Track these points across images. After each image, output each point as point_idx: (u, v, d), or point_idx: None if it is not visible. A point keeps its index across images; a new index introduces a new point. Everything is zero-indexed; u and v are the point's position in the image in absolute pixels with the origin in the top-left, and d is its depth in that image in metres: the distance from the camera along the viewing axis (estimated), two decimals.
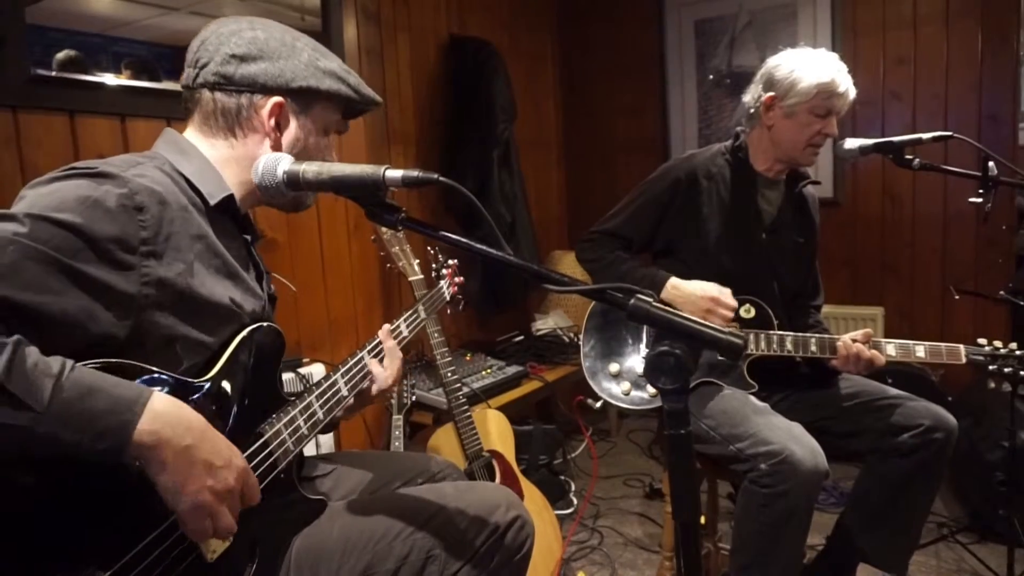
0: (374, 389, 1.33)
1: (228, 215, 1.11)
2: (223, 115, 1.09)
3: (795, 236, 1.95)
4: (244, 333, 1.05)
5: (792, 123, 1.80)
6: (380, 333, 1.38)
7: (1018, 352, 1.71)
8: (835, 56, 1.79)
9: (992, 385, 1.74)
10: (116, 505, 0.84)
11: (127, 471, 0.83)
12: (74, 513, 0.81)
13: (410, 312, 1.51)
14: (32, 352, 0.75)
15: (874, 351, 1.74)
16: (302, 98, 1.12)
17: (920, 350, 1.75)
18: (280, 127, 1.12)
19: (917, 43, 3.09)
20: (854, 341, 1.74)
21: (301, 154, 1.14)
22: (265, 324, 1.09)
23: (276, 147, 1.11)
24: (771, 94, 1.81)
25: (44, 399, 0.73)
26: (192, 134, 1.12)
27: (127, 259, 0.89)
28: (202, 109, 1.10)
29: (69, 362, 0.78)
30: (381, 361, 1.35)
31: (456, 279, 1.80)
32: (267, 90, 1.09)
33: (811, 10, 3.29)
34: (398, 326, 1.46)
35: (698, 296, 1.78)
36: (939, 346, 1.75)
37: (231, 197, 1.09)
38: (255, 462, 1.01)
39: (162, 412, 0.82)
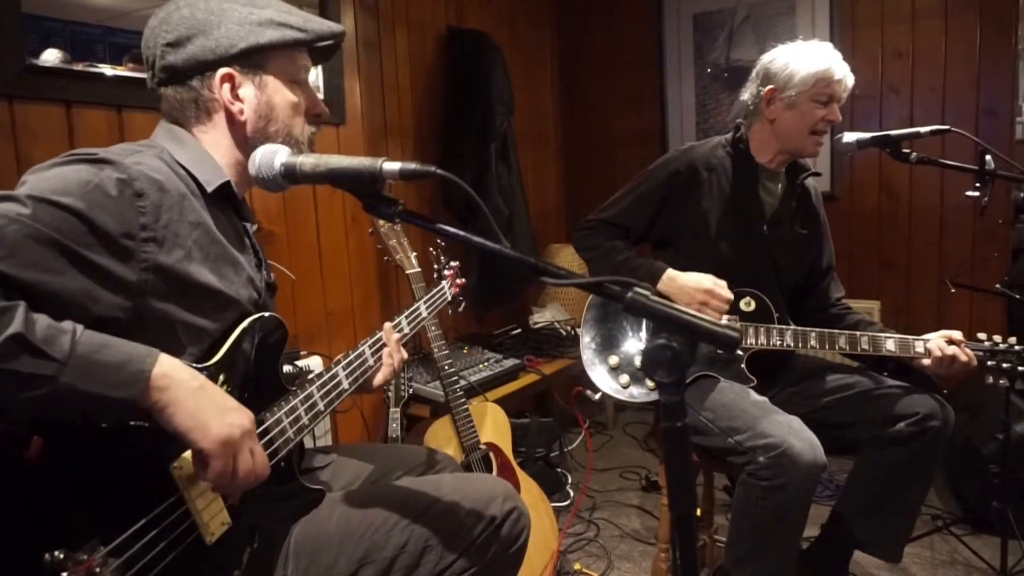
0: (377, 378, 1.32)
1: (226, 201, 1.11)
2: (185, 107, 1.09)
3: (798, 228, 1.95)
4: (247, 322, 1.05)
5: (794, 114, 1.79)
6: (384, 330, 1.36)
7: (1017, 347, 1.71)
8: (828, 45, 1.79)
9: (990, 380, 1.74)
10: (119, 481, 0.86)
11: (132, 444, 0.85)
12: (77, 488, 0.82)
13: (411, 310, 1.51)
14: (41, 315, 0.78)
15: (970, 352, 1.70)
16: (249, 59, 1.08)
17: (919, 345, 1.75)
18: (240, 96, 1.09)
19: (915, 37, 3.09)
20: (949, 343, 1.69)
21: (273, 114, 1.11)
22: (268, 314, 1.09)
23: (241, 116, 1.09)
24: (771, 87, 1.81)
25: (65, 350, 0.77)
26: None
27: (127, 244, 0.90)
28: (168, 106, 1.10)
29: (78, 325, 0.81)
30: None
31: (458, 281, 1.79)
32: (211, 65, 1.06)
33: (809, 3, 3.28)
34: (399, 322, 1.46)
35: (693, 288, 1.77)
36: None
37: (228, 183, 1.09)
38: None
39: (171, 362, 0.87)
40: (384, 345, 1.33)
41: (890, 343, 1.75)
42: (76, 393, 0.77)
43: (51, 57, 1.75)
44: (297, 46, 1.12)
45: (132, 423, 0.86)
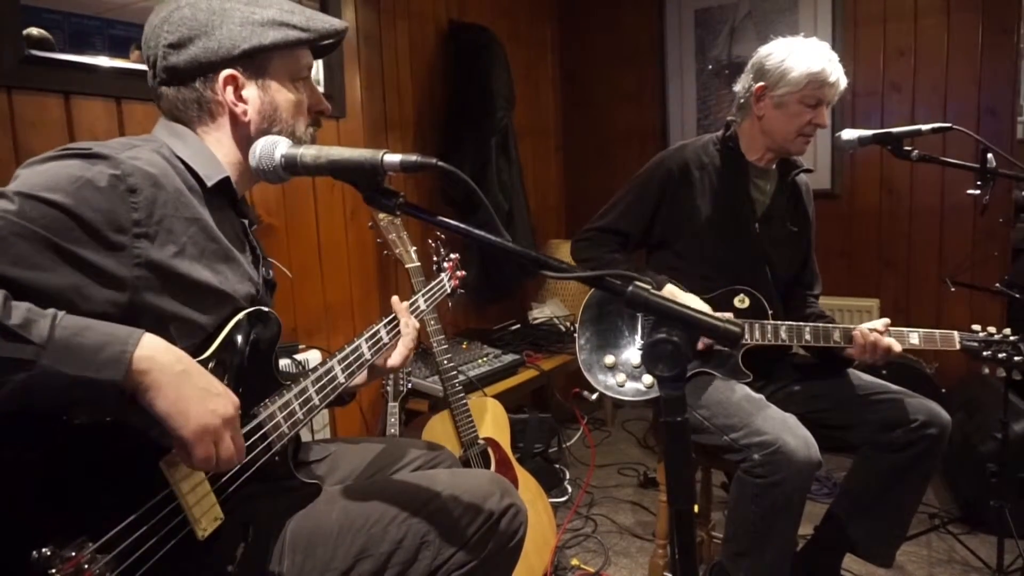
0: (395, 356, 1.35)
1: (225, 197, 1.11)
2: (187, 107, 1.08)
3: (789, 225, 1.94)
4: (239, 316, 1.05)
5: (782, 113, 1.79)
6: (396, 307, 1.39)
7: (1012, 338, 1.72)
8: (826, 45, 1.78)
9: (986, 371, 1.75)
10: (108, 477, 0.85)
11: (122, 438, 0.84)
12: (65, 484, 0.81)
13: (411, 302, 1.51)
14: (23, 303, 0.78)
15: (891, 339, 1.73)
16: (252, 60, 1.07)
17: (914, 337, 1.75)
18: (243, 97, 1.08)
19: (917, 34, 3.09)
20: (871, 330, 1.72)
21: (277, 115, 1.11)
22: (261, 308, 1.09)
23: (245, 117, 1.09)
24: (761, 84, 1.80)
25: (44, 334, 0.76)
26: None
27: (118, 240, 0.89)
28: (169, 105, 1.09)
29: (61, 311, 0.80)
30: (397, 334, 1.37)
31: (458, 273, 1.79)
32: (214, 67, 1.05)
33: (812, 0, 3.27)
34: (416, 300, 1.50)
35: None
36: (933, 333, 1.76)
37: (227, 179, 1.09)
38: (249, 443, 1.01)
39: (155, 344, 0.85)
40: (396, 319, 1.36)
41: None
42: (58, 376, 0.76)
43: (32, 31, 1.72)
44: (299, 45, 1.12)
45: (119, 419, 0.85)
